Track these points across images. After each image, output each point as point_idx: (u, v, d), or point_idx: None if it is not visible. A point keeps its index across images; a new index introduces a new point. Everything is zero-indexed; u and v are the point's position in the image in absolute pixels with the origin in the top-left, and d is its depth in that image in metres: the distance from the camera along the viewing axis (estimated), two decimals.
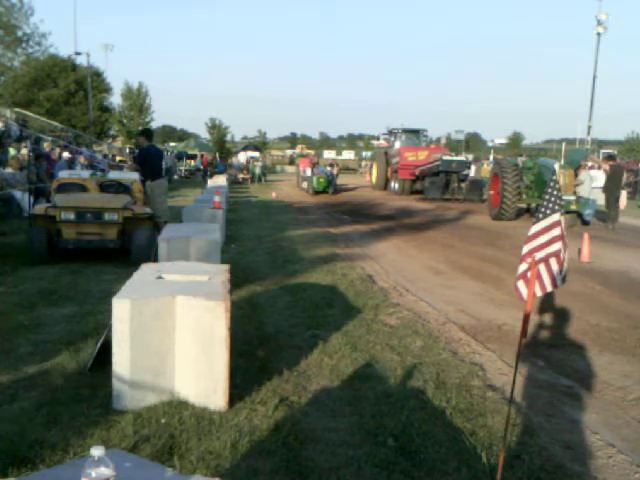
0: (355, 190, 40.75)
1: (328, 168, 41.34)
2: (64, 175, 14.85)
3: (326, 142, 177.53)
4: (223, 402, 5.39)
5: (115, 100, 63.62)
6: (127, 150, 51.41)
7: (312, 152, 76.23)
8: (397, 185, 36.14)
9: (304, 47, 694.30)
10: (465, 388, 6.35)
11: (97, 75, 57.26)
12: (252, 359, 6.78)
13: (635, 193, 37.95)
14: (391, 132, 40.70)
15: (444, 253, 15.79)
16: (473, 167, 46.41)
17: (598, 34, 44.81)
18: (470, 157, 74.65)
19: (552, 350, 8.03)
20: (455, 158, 33.26)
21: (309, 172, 38.35)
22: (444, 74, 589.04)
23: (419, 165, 34.07)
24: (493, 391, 6.35)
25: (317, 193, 35.99)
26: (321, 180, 36.72)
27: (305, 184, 38.75)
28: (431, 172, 32.37)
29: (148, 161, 14.01)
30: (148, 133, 14.95)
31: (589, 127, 46.96)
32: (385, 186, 38.89)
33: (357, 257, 14.44)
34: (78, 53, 52.63)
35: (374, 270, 12.95)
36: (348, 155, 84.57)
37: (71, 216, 11.99)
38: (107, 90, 60.09)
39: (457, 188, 31.58)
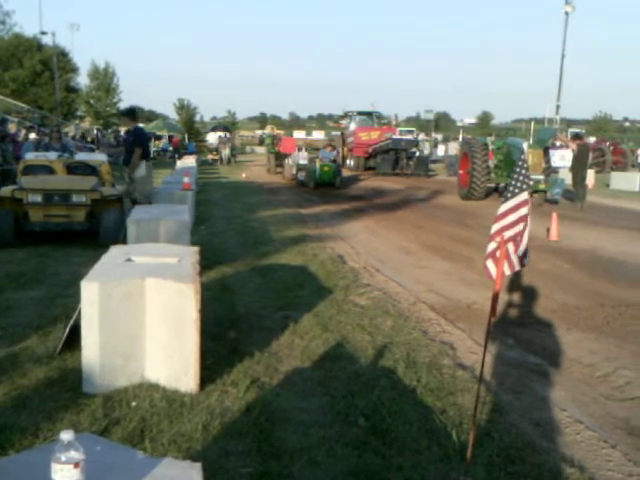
0: (363, 180, 33.67)
1: (327, 151, 31.32)
2: (30, 157, 14.68)
3: (296, 122, 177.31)
4: (194, 384, 5.38)
5: (82, 80, 63.05)
6: (95, 132, 50.84)
7: (281, 132, 75.86)
8: (352, 162, 39.13)
9: (273, 27, 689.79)
10: (435, 367, 6.39)
11: (63, 55, 56.64)
12: (223, 341, 6.78)
13: (603, 172, 38.37)
14: (347, 114, 43.88)
15: (414, 233, 15.85)
16: (442, 147, 49.55)
17: (566, 13, 45.06)
18: (439, 137, 75.38)
19: (521, 328, 8.10)
20: (403, 137, 39.00)
21: (304, 158, 29.98)
22: (413, 54, 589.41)
23: (372, 144, 37.21)
24: (463, 370, 6.40)
25: (319, 186, 27.36)
26: (326, 169, 27.65)
27: (302, 174, 29.32)
28: (382, 150, 35.70)
29: (144, 141, 13.65)
30: (132, 113, 13.84)
31: (557, 106, 47.29)
32: (342, 164, 41.07)
33: (328, 238, 14.45)
34: (44, 32, 51.85)
35: (344, 250, 12.97)
36: (318, 135, 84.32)
37: (38, 198, 11.84)
38: (74, 70, 59.54)
39: (405, 164, 35.09)
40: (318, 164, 27.86)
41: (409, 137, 41.28)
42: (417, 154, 36.63)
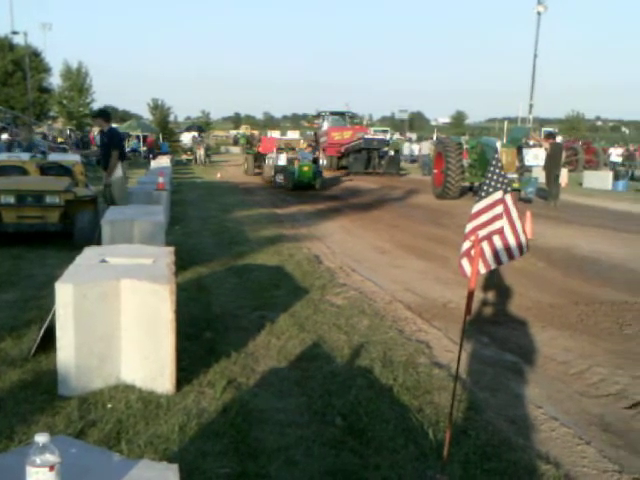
0: (345, 181, 32.50)
1: (307, 151, 30.82)
2: (3, 157, 14.56)
3: (270, 122, 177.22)
4: (170, 385, 5.36)
5: (55, 81, 62.50)
6: (68, 131, 50.53)
7: (256, 132, 75.72)
8: (325, 161, 39.14)
9: (246, 27, 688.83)
10: (412, 366, 6.41)
11: (35, 55, 56.19)
12: (199, 341, 6.75)
13: (576, 171, 38.76)
14: (320, 114, 44.21)
15: (390, 232, 15.89)
16: (417, 145, 50.61)
17: (538, 13, 45.41)
18: (414, 136, 75.97)
19: (496, 327, 8.15)
20: (375, 137, 39.40)
21: (283, 159, 28.14)
22: (388, 54, 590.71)
23: (344, 143, 37.93)
24: (439, 368, 6.42)
25: (297, 188, 26.03)
26: (305, 169, 26.17)
27: (280, 176, 27.50)
28: (355, 149, 36.64)
29: (119, 142, 13.48)
30: (106, 114, 13.70)
31: (530, 106, 47.62)
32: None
33: (303, 238, 14.45)
34: (15, 32, 51.33)
35: (320, 250, 12.97)
36: (293, 135, 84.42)
37: (11, 199, 11.73)
38: (46, 70, 59.07)
39: (377, 163, 36.04)
40: (297, 164, 26.43)
41: (381, 137, 42.17)
42: (392, 153, 37.52)
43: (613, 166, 39.50)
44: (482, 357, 6.99)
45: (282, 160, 28.20)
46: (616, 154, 46.83)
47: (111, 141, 12.78)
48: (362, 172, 35.31)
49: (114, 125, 21.67)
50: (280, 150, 29.47)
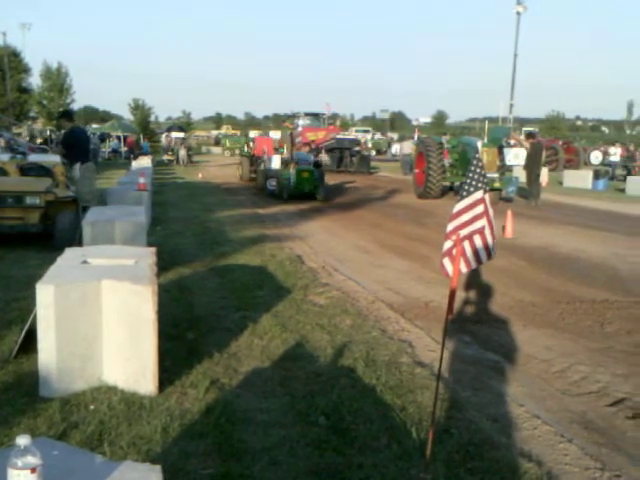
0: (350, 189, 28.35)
1: (305, 152, 27.78)
2: None
3: (252, 122, 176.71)
4: (153, 386, 5.34)
5: (34, 81, 62.10)
6: (47, 132, 50.22)
7: (237, 132, 75.52)
8: None
9: (228, 26, 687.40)
10: (394, 365, 6.43)
11: (14, 55, 55.80)
12: (181, 342, 6.74)
13: (556, 170, 38.91)
14: (295, 115, 45.47)
15: (372, 232, 15.91)
16: (398, 145, 52.48)
17: (518, 13, 45.63)
18: (395, 136, 76.40)
19: (478, 326, 8.18)
20: (347, 137, 42.67)
21: (277, 161, 24.23)
22: (369, 54, 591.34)
23: (318, 143, 38.71)
24: (422, 367, 6.44)
25: (294, 197, 22.02)
26: (304, 175, 21.94)
27: (274, 183, 23.51)
28: (327, 149, 37.70)
29: (76, 143, 13.60)
30: (69, 114, 14.40)
31: (511, 105, 47.76)
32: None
33: (286, 238, 14.44)
34: None
35: (303, 250, 12.97)
36: (274, 135, 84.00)
37: None
38: (26, 71, 58.65)
39: (349, 162, 37.77)
40: (293, 169, 22.08)
41: (352, 137, 45.28)
42: (373, 153, 39.97)
43: (613, 166, 39.30)
44: (464, 356, 7.02)
45: (275, 163, 24.29)
46: (618, 154, 46.88)
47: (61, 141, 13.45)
48: (334, 170, 36.05)
49: (95, 125, 21.76)
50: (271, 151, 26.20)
